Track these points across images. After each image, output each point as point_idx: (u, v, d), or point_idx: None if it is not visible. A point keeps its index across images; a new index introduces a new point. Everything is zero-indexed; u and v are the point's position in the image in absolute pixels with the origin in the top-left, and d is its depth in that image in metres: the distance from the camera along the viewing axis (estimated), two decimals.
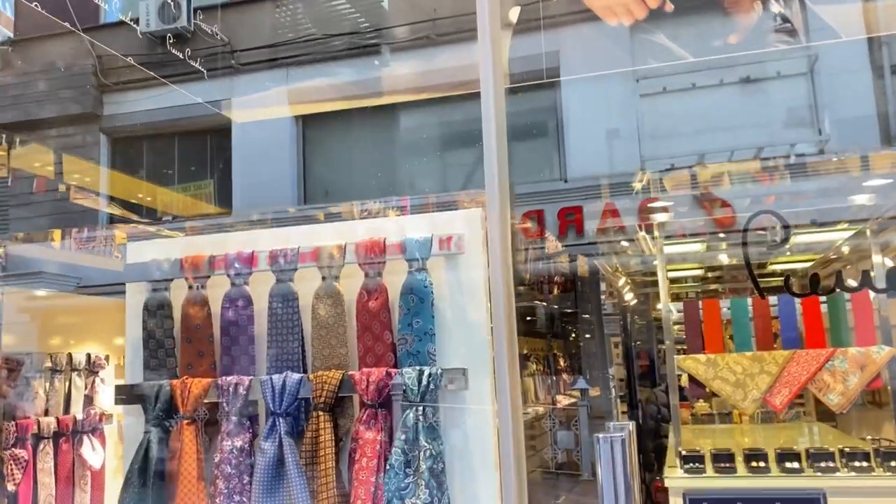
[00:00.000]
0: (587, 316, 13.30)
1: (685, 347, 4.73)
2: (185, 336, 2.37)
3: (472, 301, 2.25)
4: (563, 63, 9.28)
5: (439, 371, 2.16)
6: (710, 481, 4.17)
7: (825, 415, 6.88)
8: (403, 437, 2.13)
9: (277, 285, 2.32)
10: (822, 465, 4.09)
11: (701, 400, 6.71)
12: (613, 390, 11.96)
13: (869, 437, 5.89)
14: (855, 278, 5.93)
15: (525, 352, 11.45)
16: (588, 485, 11.96)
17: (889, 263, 4.44)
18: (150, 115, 11.37)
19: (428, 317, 2.22)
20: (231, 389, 2.26)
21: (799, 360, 4.34)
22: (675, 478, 4.24)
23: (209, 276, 2.37)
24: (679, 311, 4.54)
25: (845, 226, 5.00)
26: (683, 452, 4.34)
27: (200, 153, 11.60)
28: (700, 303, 4.54)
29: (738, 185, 5.78)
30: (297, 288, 2.31)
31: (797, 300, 4.42)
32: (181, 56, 10.94)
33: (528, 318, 11.44)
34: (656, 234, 4.42)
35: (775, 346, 4.45)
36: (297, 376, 2.23)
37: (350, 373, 2.22)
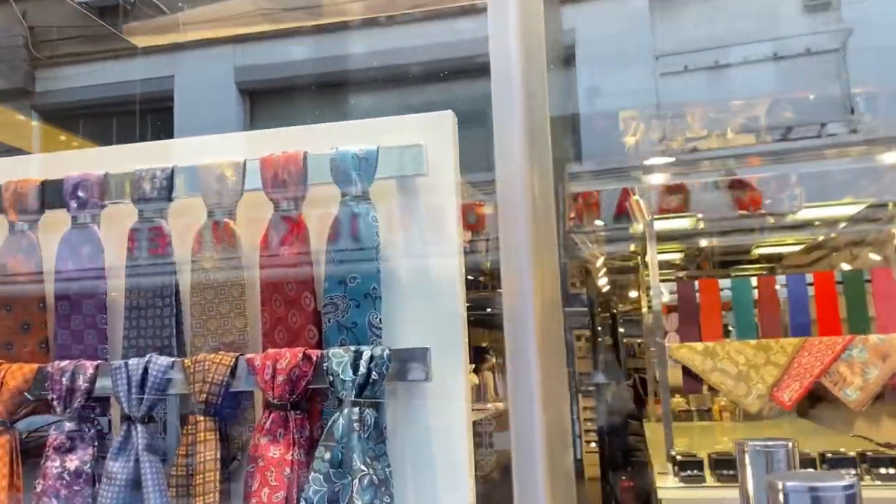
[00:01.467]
0: None
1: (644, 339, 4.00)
2: (1, 301, 1.54)
3: (439, 247, 1.46)
4: (580, 40, 8.42)
5: (386, 353, 1.37)
6: (712, 492, 3.45)
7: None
8: (329, 455, 1.32)
9: (141, 223, 1.49)
10: (843, 472, 3.39)
11: (678, 395, 6.01)
12: (573, 385, 11.28)
13: (852, 435, 5.26)
14: (850, 261, 5.28)
15: (484, 344, 10.70)
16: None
17: None
18: (85, 93, 10.36)
19: (371, 271, 1.41)
20: (65, 380, 1.43)
21: (811, 349, 3.63)
22: (671, 487, 3.50)
23: (41, 212, 1.54)
24: (672, 293, 3.81)
25: (850, 199, 4.32)
26: (679, 457, 3.61)
27: (140, 134, 10.62)
28: (696, 283, 3.81)
29: (765, 165, 5.07)
30: (172, 227, 1.49)
31: (808, 281, 3.71)
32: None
33: (488, 309, 10.71)
34: (642, 204, 3.67)
35: (782, 333, 3.75)
36: (165, 361, 1.41)
37: (248, 356, 1.41)
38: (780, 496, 0.95)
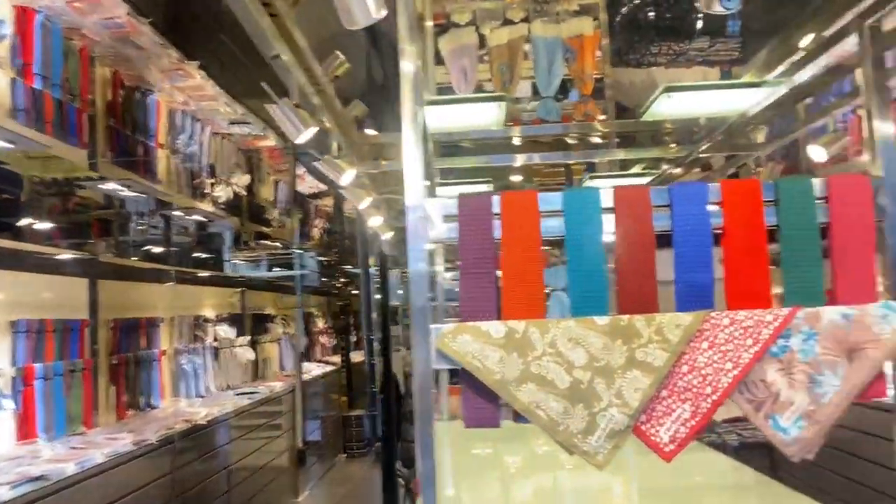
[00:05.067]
0: (350, 267, 10.40)
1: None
2: None
3: None
4: None
5: None
6: None
7: None
8: None
9: None
10: None
11: None
12: (376, 357, 9.20)
13: None
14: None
15: (269, 311, 8.38)
16: (347, 467, 9.16)
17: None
18: None
19: None
20: None
21: (714, 335, 1.67)
22: None
23: None
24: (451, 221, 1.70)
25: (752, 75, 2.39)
26: None
27: None
28: (493, 198, 1.74)
29: None
30: None
31: (711, 196, 1.72)
32: None
33: (276, 269, 8.37)
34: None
35: (660, 305, 1.75)
36: None
37: None
38: None
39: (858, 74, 3.44)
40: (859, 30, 1.77)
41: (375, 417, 8.90)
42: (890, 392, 1.71)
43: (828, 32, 2.05)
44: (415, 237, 1.73)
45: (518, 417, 1.67)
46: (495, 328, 1.66)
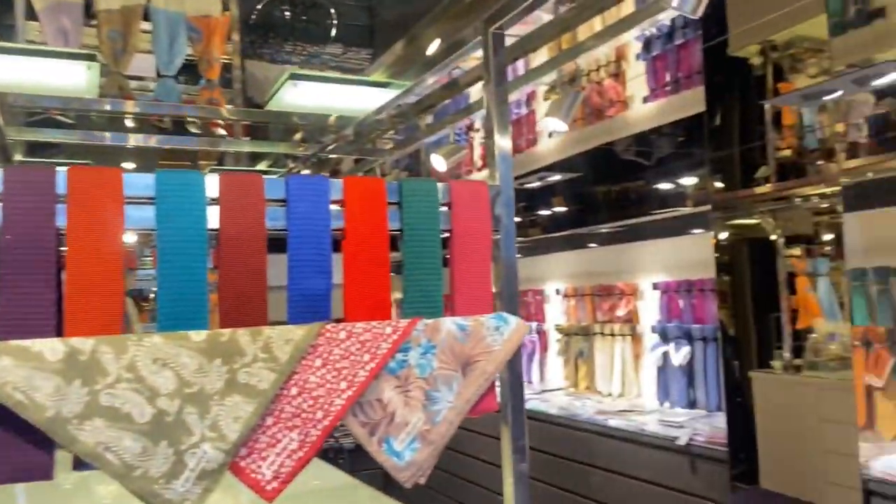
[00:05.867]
0: None
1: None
2: None
3: None
4: None
5: None
6: None
7: None
8: None
9: None
10: None
11: None
12: None
13: None
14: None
15: None
16: None
17: None
18: None
19: None
20: None
21: (328, 351, 1.46)
22: None
23: None
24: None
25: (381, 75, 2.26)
26: None
27: None
28: (58, 174, 1.31)
29: None
30: None
31: (333, 193, 1.51)
32: None
33: None
34: None
35: (269, 315, 1.48)
36: None
37: None
38: None
39: (475, 91, 3.64)
40: (483, 37, 1.73)
41: None
42: (499, 402, 1.68)
43: (452, 39, 2.02)
44: None
45: (79, 464, 1.26)
46: (51, 348, 1.23)
